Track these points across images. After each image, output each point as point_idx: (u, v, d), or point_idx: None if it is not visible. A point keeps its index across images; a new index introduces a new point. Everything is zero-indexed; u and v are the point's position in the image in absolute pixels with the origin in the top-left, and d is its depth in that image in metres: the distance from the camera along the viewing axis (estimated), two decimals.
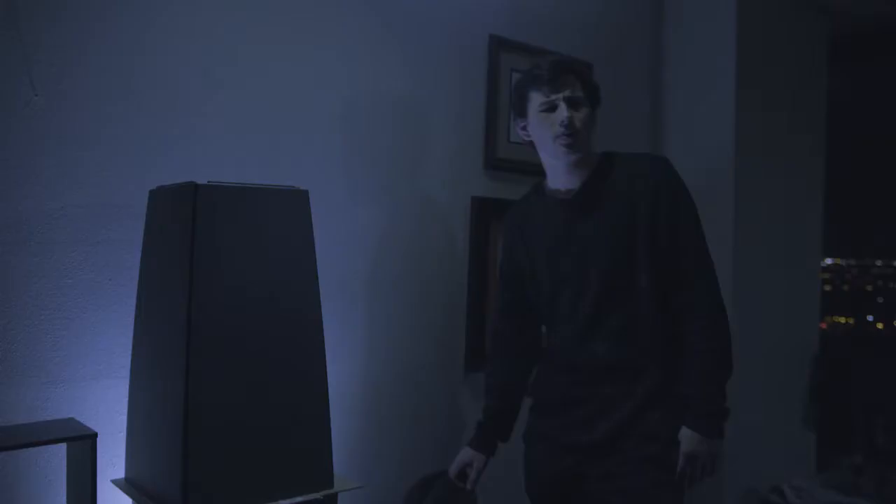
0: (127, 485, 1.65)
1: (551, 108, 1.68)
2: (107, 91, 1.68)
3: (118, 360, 1.69)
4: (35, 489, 1.61)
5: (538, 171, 2.39)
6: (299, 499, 1.57)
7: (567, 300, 1.75)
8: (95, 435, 1.51)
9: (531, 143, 1.78)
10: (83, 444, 1.53)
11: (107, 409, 1.68)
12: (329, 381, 1.68)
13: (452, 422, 2.26)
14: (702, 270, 1.72)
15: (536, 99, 1.70)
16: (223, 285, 1.50)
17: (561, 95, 1.67)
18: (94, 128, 1.66)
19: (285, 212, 1.58)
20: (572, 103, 1.68)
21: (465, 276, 2.28)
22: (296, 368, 1.59)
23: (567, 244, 1.75)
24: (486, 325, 2.30)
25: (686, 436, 1.67)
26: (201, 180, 1.47)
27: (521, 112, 1.75)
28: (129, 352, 1.67)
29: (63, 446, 1.62)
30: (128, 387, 1.68)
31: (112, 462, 1.69)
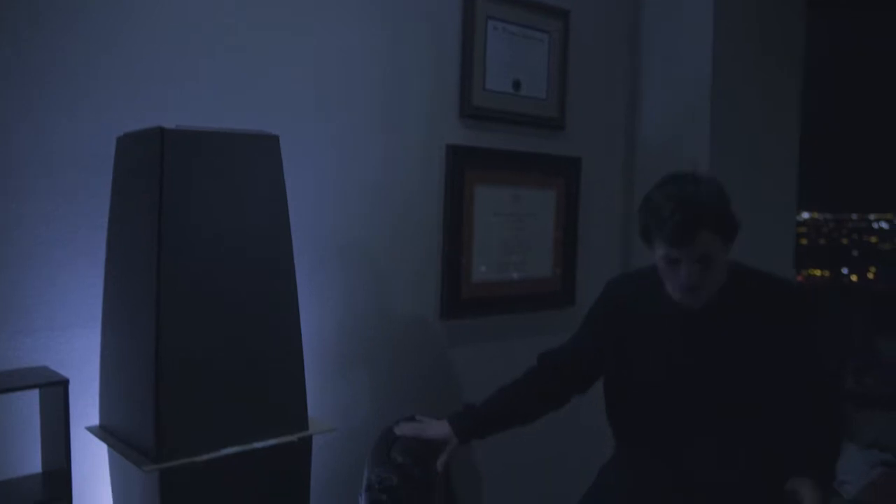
0: (101, 431, 1.66)
1: (675, 262, 1.51)
2: (72, 37, 1.64)
3: (90, 310, 1.68)
4: (10, 437, 1.61)
5: (514, 120, 2.40)
6: (273, 441, 1.59)
7: (667, 411, 1.59)
8: (67, 381, 1.51)
9: None
10: (55, 391, 1.53)
11: (79, 357, 1.68)
12: (303, 326, 1.69)
13: (426, 369, 2.28)
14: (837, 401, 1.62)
15: (660, 247, 1.52)
16: (193, 231, 1.49)
17: (687, 253, 1.48)
18: (61, 76, 1.63)
19: (255, 157, 1.57)
20: (701, 260, 1.49)
21: (440, 225, 2.27)
22: (268, 314, 1.59)
23: (686, 354, 1.58)
24: (461, 273, 2.30)
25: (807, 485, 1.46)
26: (170, 126, 1.45)
27: (645, 241, 1.57)
28: (101, 301, 1.67)
29: (36, 394, 1.62)
30: (100, 335, 1.67)
31: (86, 410, 1.69)
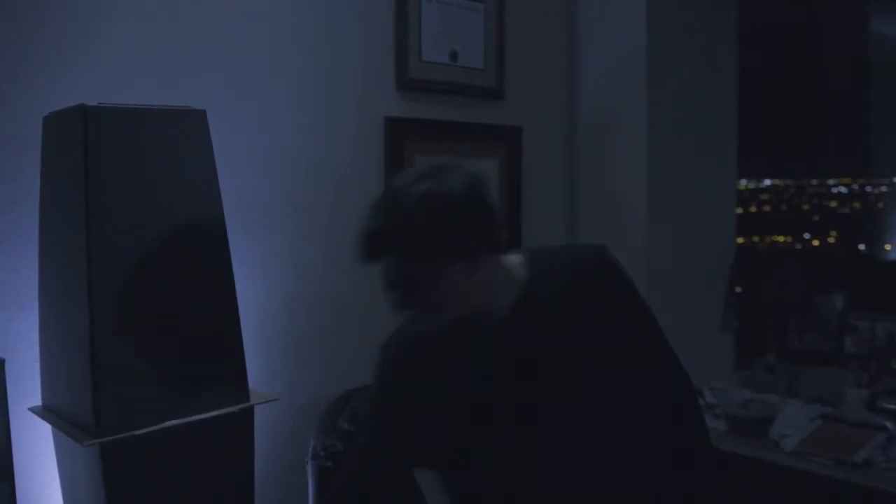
0: (43, 411, 1.67)
1: None
2: None
3: (26, 292, 1.69)
4: None
5: (453, 90, 2.42)
6: (214, 413, 1.61)
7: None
8: (3, 361, 1.52)
9: None
10: None
11: (18, 339, 1.68)
12: (246, 302, 1.71)
13: (368, 340, 2.30)
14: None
15: None
16: (122, 210, 1.50)
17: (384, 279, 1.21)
18: None
19: (183, 133, 1.58)
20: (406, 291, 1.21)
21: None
22: (203, 288, 1.61)
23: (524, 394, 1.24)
24: None
25: None
26: (93, 103, 1.46)
27: None
28: (36, 282, 1.67)
29: None
30: (38, 316, 1.68)
31: (29, 392, 1.70)
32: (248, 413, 1.69)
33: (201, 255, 1.60)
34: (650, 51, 2.67)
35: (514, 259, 1.28)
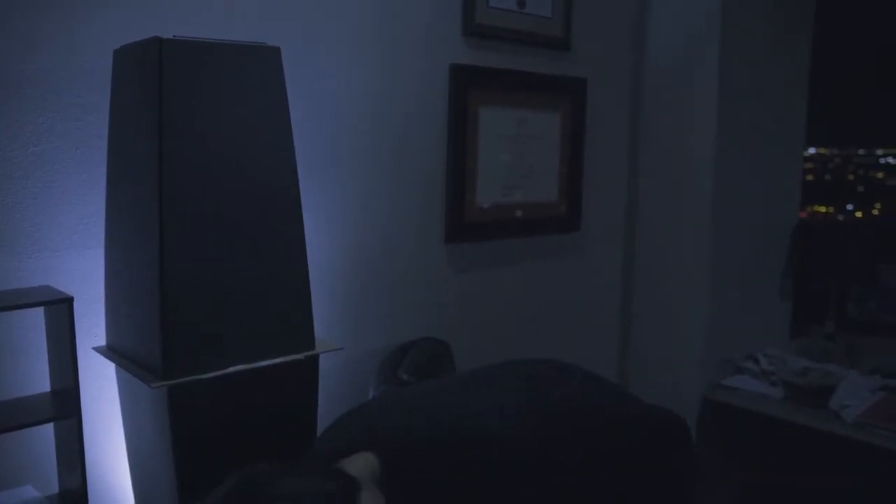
0: (108, 350, 1.66)
1: None
2: None
3: (91, 230, 1.67)
4: (16, 356, 1.61)
5: (519, 39, 2.34)
6: (280, 359, 1.59)
7: None
8: (71, 299, 1.50)
9: None
10: (60, 309, 1.52)
11: (83, 277, 1.67)
12: (309, 247, 1.67)
13: (430, 292, 2.28)
14: None
15: None
16: (194, 147, 1.46)
17: None
18: None
19: (257, 70, 1.53)
20: None
21: (444, 147, 2.24)
22: (273, 231, 1.58)
23: None
24: (464, 197, 2.28)
25: None
26: (168, 37, 1.41)
27: None
28: (102, 220, 1.65)
29: (41, 314, 1.61)
30: (103, 256, 1.66)
31: (92, 332, 1.69)
32: (314, 361, 1.67)
33: (272, 198, 1.56)
34: (724, 8, 2.56)
35: None
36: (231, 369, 1.53)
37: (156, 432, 1.55)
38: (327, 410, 1.90)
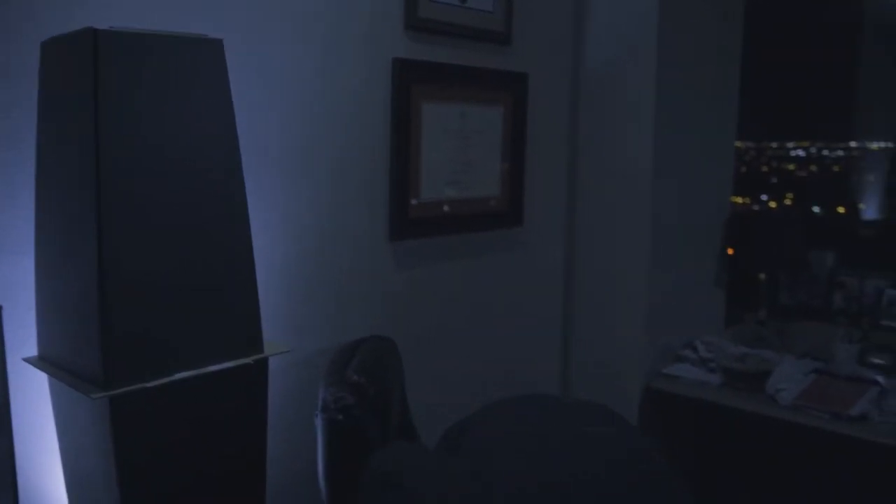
0: (41, 361, 1.57)
1: None
2: None
3: (19, 234, 1.57)
4: None
5: (460, 33, 2.32)
6: (229, 364, 1.53)
7: None
8: (0, 307, 1.41)
9: None
10: None
11: (11, 285, 1.57)
12: (255, 251, 1.61)
13: (375, 289, 2.24)
14: None
15: None
16: (133, 145, 1.38)
17: None
18: None
19: (199, 63, 1.46)
20: None
21: (387, 143, 2.20)
22: (218, 231, 1.51)
23: None
24: (408, 193, 2.25)
25: None
26: (103, 27, 1.33)
27: None
28: (32, 224, 1.55)
29: None
30: (33, 261, 1.56)
31: (23, 341, 1.59)
32: (263, 364, 1.61)
33: (217, 196, 1.50)
34: (661, 4, 2.60)
35: None
36: (177, 376, 1.46)
37: (97, 448, 1.47)
38: (276, 413, 1.85)
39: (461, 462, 1.47)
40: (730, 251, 3.07)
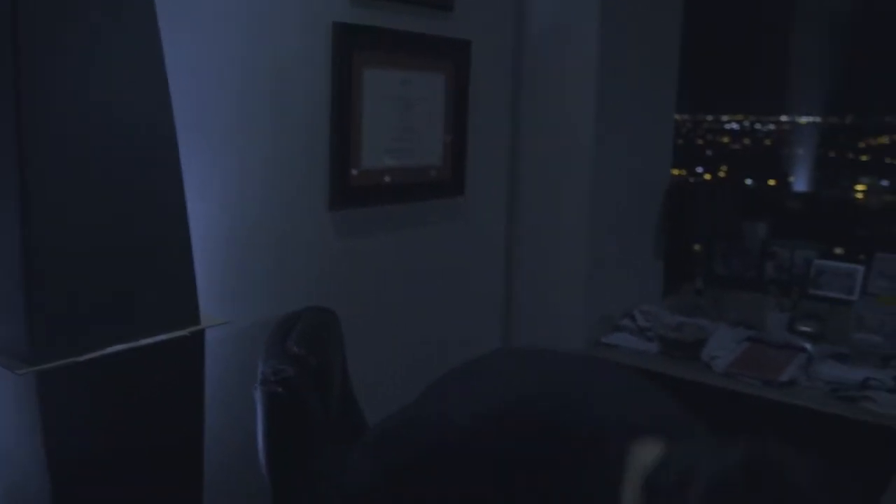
0: None
1: None
2: None
3: None
4: None
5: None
6: (163, 336, 1.48)
7: None
8: None
9: None
10: None
11: None
12: (190, 219, 1.56)
13: (314, 259, 2.20)
14: None
15: None
16: (58, 101, 1.31)
17: None
18: None
19: (128, 14, 1.38)
20: None
21: (327, 109, 2.15)
22: (150, 198, 1.45)
23: None
24: (349, 161, 2.20)
25: None
26: None
27: None
28: None
29: None
30: None
31: None
32: (199, 337, 1.56)
33: (149, 159, 1.44)
34: None
35: None
36: (109, 349, 1.40)
37: (23, 427, 1.40)
38: (214, 387, 1.80)
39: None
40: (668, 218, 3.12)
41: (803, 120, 7.86)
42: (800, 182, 7.31)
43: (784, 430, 2.55)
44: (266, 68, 1.98)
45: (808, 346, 2.64)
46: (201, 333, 1.56)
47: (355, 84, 2.17)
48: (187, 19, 1.79)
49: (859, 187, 7.83)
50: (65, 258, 1.33)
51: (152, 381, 1.50)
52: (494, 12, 2.66)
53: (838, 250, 3.55)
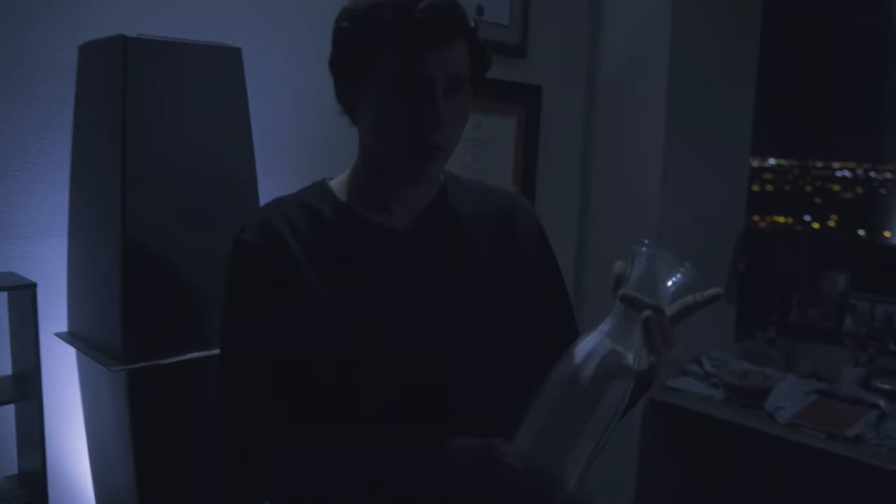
0: (69, 336, 1.71)
1: (416, 82, 0.98)
2: None
3: (55, 218, 1.72)
4: None
5: None
6: None
7: (405, 381, 1.05)
8: (35, 285, 1.56)
9: (354, 121, 1.11)
10: (23, 295, 1.57)
11: (47, 265, 1.72)
12: None
13: None
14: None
15: (390, 60, 0.98)
16: (156, 141, 1.52)
17: (439, 66, 0.98)
18: None
19: (218, 69, 1.60)
20: (453, 85, 1.01)
21: None
22: (229, 222, 1.62)
23: (413, 298, 1.07)
24: None
25: None
26: (132, 35, 1.47)
27: (353, 70, 1.05)
28: (66, 209, 1.70)
29: (4, 299, 1.66)
30: (66, 243, 1.72)
31: (55, 317, 1.74)
32: None
33: (231, 190, 1.63)
34: (675, 17, 2.68)
35: None
36: (188, 355, 1.59)
37: (115, 416, 1.61)
38: None
39: None
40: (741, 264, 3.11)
41: None
42: None
43: (850, 487, 2.52)
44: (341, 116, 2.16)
45: (881, 403, 2.57)
46: None
47: None
48: (275, 63, 2.01)
49: None
50: (155, 276, 1.54)
51: None
52: (566, 59, 2.78)
53: None
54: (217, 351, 1.60)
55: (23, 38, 1.64)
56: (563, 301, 1.28)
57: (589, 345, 0.96)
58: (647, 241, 0.99)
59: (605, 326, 0.97)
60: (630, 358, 0.97)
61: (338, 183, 1.17)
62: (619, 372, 0.96)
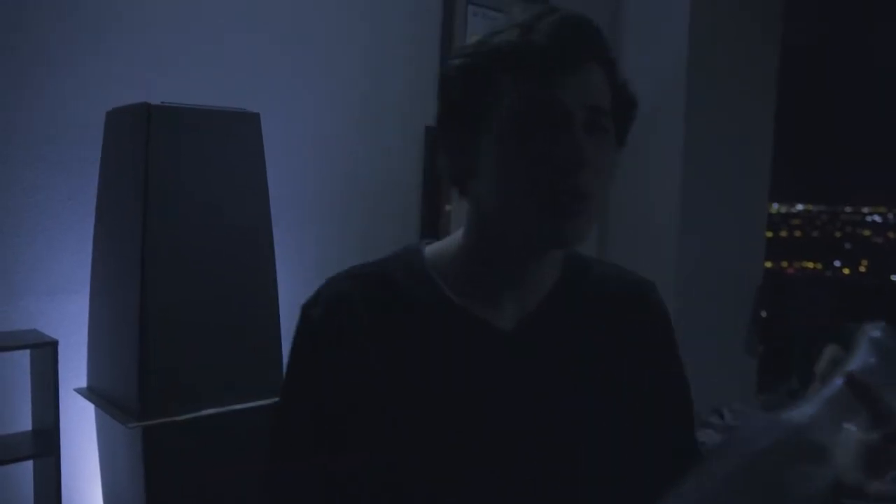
0: (88, 392, 1.75)
1: (548, 116, 0.74)
2: (64, 17, 1.71)
3: (78, 276, 1.77)
4: (1, 396, 1.69)
5: None
6: (252, 404, 1.67)
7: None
8: (56, 342, 1.60)
9: (465, 190, 0.81)
10: (45, 352, 1.61)
11: (68, 321, 1.76)
12: (281, 296, 1.77)
13: None
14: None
15: (514, 93, 0.74)
16: (176, 202, 1.57)
17: (575, 94, 0.75)
18: (52, 53, 1.70)
19: (237, 133, 1.66)
20: (594, 120, 0.77)
21: (419, 203, 2.36)
22: (248, 282, 1.68)
23: (508, 401, 0.82)
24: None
25: None
26: (156, 102, 1.54)
27: (467, 118, 0.76)
28: (89, 268, 1.75)
29: (27, 356, 1.70)
30: (88, 300, 1.76)
31: (75, 373, 1.77)
32: None
33: (248, 252, 1.68)
34: (691, 62, 2.70)
35: None
36: (203, 412, 1.61)
37: (131, 471, 1.63)
38: None
39: None
40: (762, 314, 3.08)
41: None
42: None
43: None
44: (363, 167, 2.22)
45: None
46: None
47: (444, 182, 2.37)
48: (298, 126, 2.07)
49: None
50: (173, 334, 1.57)
51: (240, 442, 1.69)
52: None
53: None
54: (230, 407, 1.64)
55: (54, 106, 1.71)
56: (685, 418, 0.96)
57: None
58: (882, 326, 0.69)
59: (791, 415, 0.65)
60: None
61: (435, 257, 0.87)
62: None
